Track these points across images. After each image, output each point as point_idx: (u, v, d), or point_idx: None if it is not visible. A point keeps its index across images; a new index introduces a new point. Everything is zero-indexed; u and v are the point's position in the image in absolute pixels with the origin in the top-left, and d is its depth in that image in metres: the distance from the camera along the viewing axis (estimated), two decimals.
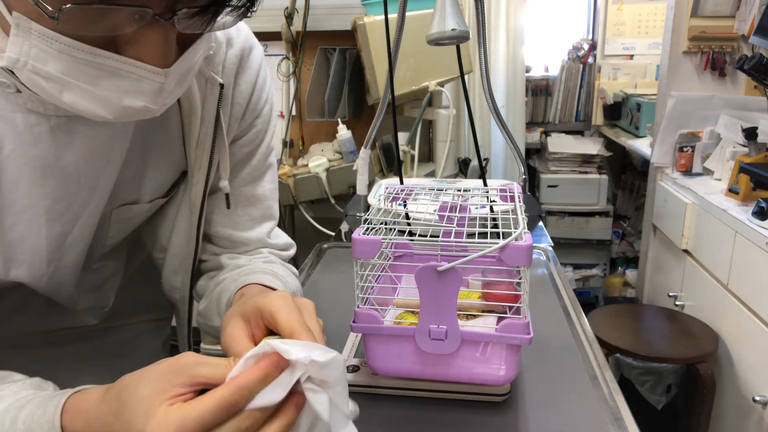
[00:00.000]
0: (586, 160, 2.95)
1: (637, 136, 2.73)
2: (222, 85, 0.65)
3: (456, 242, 0.63)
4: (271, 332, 0.54)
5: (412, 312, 0.71)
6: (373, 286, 0.71)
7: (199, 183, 0.68)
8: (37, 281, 0.62)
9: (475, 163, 1.95)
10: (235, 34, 0.67)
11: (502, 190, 0.83)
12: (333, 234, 2.08)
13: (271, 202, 0.78)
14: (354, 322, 0.66)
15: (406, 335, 0.65)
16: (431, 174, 2.04)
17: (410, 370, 0.67)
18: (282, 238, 0.81)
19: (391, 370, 0.68)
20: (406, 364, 0.66)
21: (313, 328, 0.51)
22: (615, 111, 3.00)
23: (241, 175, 0.74)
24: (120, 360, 0.85)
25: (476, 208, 0.83)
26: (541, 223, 1.41)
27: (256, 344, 0.50)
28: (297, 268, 1.15)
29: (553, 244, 1.24)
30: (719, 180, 1.97)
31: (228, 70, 0.67)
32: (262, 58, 0.72)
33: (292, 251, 0.82)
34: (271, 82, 0.75)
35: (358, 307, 0.65)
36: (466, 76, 1.34)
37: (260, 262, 0.74)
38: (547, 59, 3.30)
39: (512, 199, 0.79)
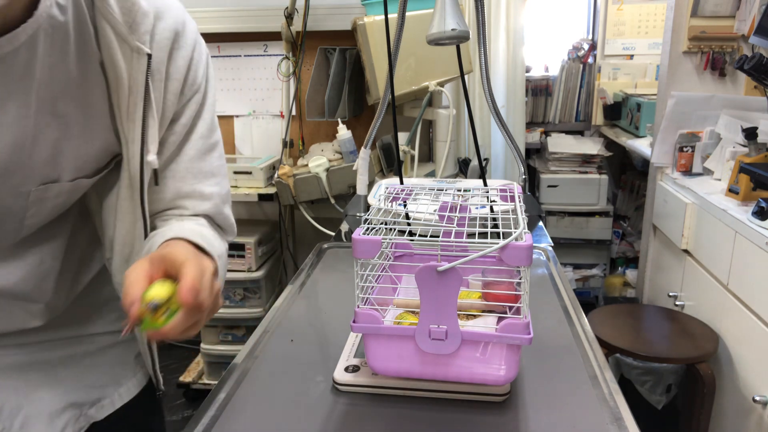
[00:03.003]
0: (586, 160, 2.95)
1: (637, 136, 2.73)
2: (149, 55, 0.64)
3: (456, 242, 0.63)
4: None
5: (412, 312, 0.71)
6: (373, 286, 0.71)
7: (135, 156, 0.67)
8: None
9: (475, 163, 1.95)
10: (164, 8, 0.67)
11: (502, 190, 0.83)
12: (333, 234, 2.08)
13: (221, 179, 0.77)
14: (354, 322, 0.66)
15: (406, 335, 0.65)
16: (431, 174, 2.04)
17: (410, 370, 0.67)
18: (228, 219, 0.80)
19: (391, 370, 0.68)
20: (406, 364, 0.66)
21: (205, 279, 0.58)
22: (615, 111, 3.00)
23: (186, 152, 0.73)
24: (90, 371, 0.82)
25: (476, 208, 0.83)
26: (541, 223, 1.41)
27: (150, 283, 0.57)
28: (297, 269, 1.15)
29: (553, 244, 1.24)
30: (719, 180, 1.97)
31: (161, 45, 0.66)
32: (197, 32, 0.72)
33: (231, 237, 0.81)
34: (209, 59, 0.76)
35: (358, 307, 0.65)
36: (466, 76, 1.34)
37: (192, 223, 0.73)
38: (547, 59, 3.30)
39: (512, 199, 0.79)
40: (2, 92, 0.57)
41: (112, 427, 0.83)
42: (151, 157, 0.68)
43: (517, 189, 0.82)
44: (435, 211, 0.76)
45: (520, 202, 0.74)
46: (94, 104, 0.65)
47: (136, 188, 0.69)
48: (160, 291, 0.55)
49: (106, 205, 0.72)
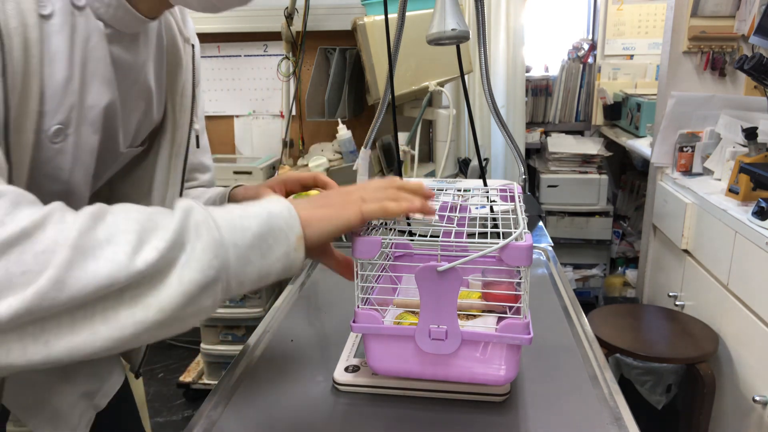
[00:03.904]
0: (586, 160, 2.95)
1: (637, 136, 2.73)
2: (193, 46, 0.80)
3: (456, 242, 0.63)
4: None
5: (412, 312, 0.71)
6: (373, 286, 0.71)
7: (184, 127, 0.79)
8: (83, 193, 0.67)
9: (475, 163, 1.95)
10: (188, 19, 0.82)
11: (502, 190, 0.83)
12: None
13: (210, 154, 0.95)
14: (354, 322, 0.66)
15: (406, 335, 0.65)
16: (431, 174, 2.04)
17: (410, 370, 0.67)
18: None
19: (392, 370, 0.68)
20: (406, 364, 0.66)
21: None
22: (615, 111, 3.00)
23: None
24: (92, 359, 0.85)
25: (476, 208, 0.83)
26: (541, 223, 1.41)
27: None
28: None
29: (553, 244, 1.24)
30: (719, 180, 1.97)
31: (192, 39, 0.81)
32: None
33: None
34: None
35: (358, 307, 0.65)
36: (466, 76, 1.34)
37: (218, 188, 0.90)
38: (547, 59, 3.30)
39: (512, 199, 0.79)
40: (140, 61, 0.69)
41: (108, 414, 0.85)
42: (197, 126, 0.82)
43: (517, 189, 0.82)
44: (435, 211, 0.76)
45: (520, 202, 0.74)
46: (162, 82, 0.76)
47: (181, 155, 0.80)
48: (306, 194, 0.69)
49: (137, 177, 0.80)
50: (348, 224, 0.58)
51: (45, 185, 0.61)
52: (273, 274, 0.52)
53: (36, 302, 0.41)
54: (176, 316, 0.47)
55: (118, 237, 0.45)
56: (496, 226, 0.67)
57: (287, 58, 2.35)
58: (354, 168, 1.79)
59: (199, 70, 0.86)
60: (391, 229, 0.69)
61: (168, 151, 0.79)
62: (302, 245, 0.54)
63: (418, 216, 0.64)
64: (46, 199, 0.61)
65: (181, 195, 0.82)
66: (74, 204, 0.65)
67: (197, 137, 0.84)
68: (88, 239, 0.44)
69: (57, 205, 0.46)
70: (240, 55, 2.46)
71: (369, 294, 0.69)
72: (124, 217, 0.47)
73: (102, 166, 0.70)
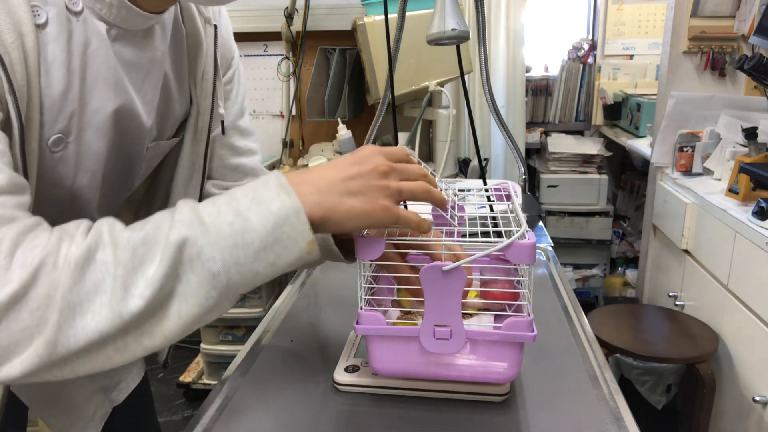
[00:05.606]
0: (586, 160, 2.95)
1: (637, 136, 2.73)
2: (215, 26, 0.77)
3: (459, 242, 0.63)
4: None
5: (408, 312, 0.71)
6: (374, 287, 0.71)
7: (206, 112, 0.77)
8: (90, 197, 0.66)
9: (475, 163, 1.95)
10: None
11: (496, 190, 0.83)
12: None
13: (255, 137, 0.89)
14: (357, 323, 0.66)
15: (409, 336, 0.65)
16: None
17: (414, 370, 0.67)
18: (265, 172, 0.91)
19: (395, 371, 0.68)
20: (409, 364, 0.66)
21: None
22: (615, 111, 3.00)
23: (232, 111, 0.84)
24: None
25: (476, 208, 0.83)
26: (541, 223, 1.41)
27: None
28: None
29: (553, 244, 1.24)
30: (719, 180, 1.97)
31: (215, 18, 0.79)
32: None
33: None
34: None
35: (361, 308, 0.65)
36: (466, 76, 1.34)
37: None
38: (547, 59, 3.30)
39: (507, 198, 0.79)
40: (158, 56, 0.68)
41: (124, 408, 0.86)
42: (222, 110, 0.80)
43: (512, 188, 0.82)
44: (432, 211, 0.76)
45: (517, 199, 0.74)
46: (183, 68, 0.74)
47: (202, 141, 0.78)
48: None
49: (167, 160, 0.79)
50: (376, 224, 0.57)
51: (48, 192, 0.60)
52: (287, 271, 0.54)
53: (37, 362, 0.46)
54: (184, 334, 0.50)
55: (105, 283, 0.47)
56: (494, 225, 0.67)
57: (287, 58, 2.35)
58: None
59: (229, 48, 0.84)
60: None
61: (191, 137, 0.78)
62: (315, 247, 0.53)
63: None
64: (50, 205, 0.60)
65: (203, 181, 0.80)
66: (79, 208, 0.65)
67: (222, 122, 0.82)
68: (74, 295, 0.46)
69: (51, 246, 0.47)
70: (240, 55, 2.46)
71: (371, 295, 0.69)
72: (112, 254, 0.48)
73: (129, 165, 0.70)
